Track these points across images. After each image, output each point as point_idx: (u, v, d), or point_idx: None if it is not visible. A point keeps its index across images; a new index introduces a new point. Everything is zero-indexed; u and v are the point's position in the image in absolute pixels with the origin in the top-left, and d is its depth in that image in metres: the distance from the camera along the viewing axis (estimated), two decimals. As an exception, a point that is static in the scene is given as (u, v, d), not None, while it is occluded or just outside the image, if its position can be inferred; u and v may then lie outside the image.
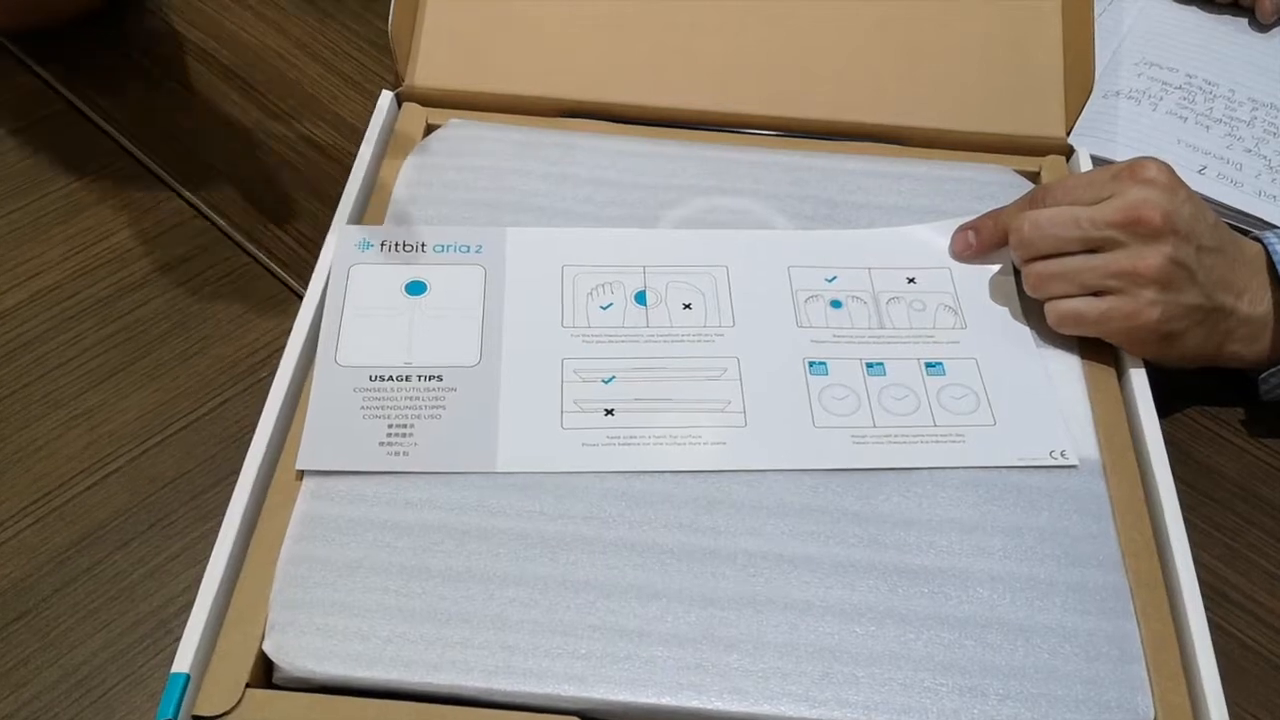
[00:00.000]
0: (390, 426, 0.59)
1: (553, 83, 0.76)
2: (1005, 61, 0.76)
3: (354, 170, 0.70)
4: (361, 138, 0.72)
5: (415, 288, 0.65)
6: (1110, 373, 0.64)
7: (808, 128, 0.76)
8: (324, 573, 0.54)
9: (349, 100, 0.84)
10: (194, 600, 0.52)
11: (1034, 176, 0.74)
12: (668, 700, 0.51)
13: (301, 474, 0.57)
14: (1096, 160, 0.74)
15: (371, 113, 0.73)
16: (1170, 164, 0.63)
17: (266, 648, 0.51)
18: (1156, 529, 0.58)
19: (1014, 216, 0.65)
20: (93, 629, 0.57)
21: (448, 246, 0.67)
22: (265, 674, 0.52)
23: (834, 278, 0.67)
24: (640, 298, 0.65)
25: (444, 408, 0.60)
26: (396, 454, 0.58)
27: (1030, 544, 0.56)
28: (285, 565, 0.54)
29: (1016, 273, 0.66)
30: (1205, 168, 0.78)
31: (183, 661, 0.50)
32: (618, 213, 0.70)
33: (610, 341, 0.63)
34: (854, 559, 0.56)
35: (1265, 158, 0.79)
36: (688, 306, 0.65)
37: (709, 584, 0.54)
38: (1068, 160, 0.75)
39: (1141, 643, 0.53)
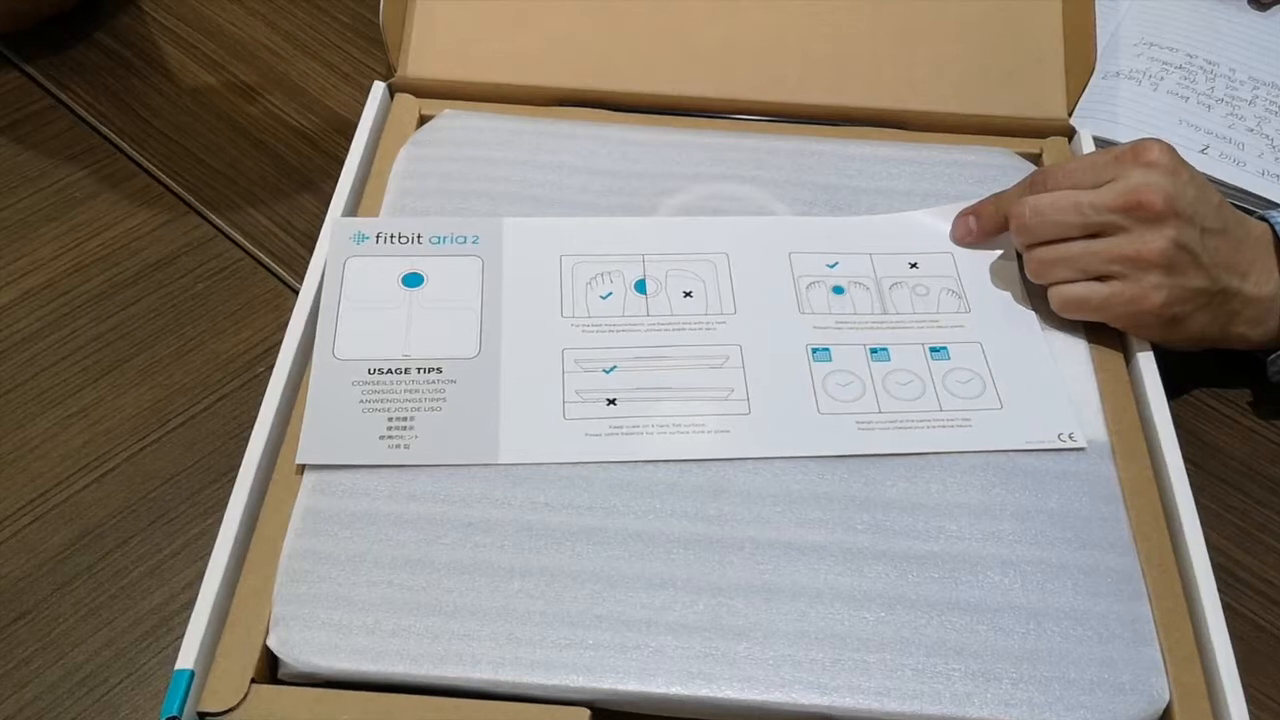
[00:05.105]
0: (390, 419, 0.58)
1: (547, 71, 0.75)
2: (1005, 42, 0.75)
3: (347, 163, 0.69)
4: (353, 130, 0.71)
5: (412, 280, 0.64)
6: (1117, 355, 0.63)
7: (807, 113, 0.75)
8: (327, 567, 0.53)
9: (339, 93, 0.83)
10: (196, 597, 0.51)
11: (1036, 158, 0.73)
12: (678, 690, 0.50)
13: (302, 469, 0.57)
14: (1099, 141, 0.73)
15: (363, 104, 0.72)
16: (1173, 145, 0.62)
17: (271, 643, 0.51)
18: (1167, 510, 0.57)
19: (1014, 201, 0.64)
20: (94, 627, 0.56)
21: (444, 238, 0.66)
22: (270, 669, 0.51)
23: (836, 263, 0.66)
24: (640, 286, 0.65)
25: (444, 400, 0.59)
26: (397, 447, 0.57)
27: (1040, 527, 0.56)
28: (288, 560, 0.53)
29: (1019, 256, 0.65)
30: (1208, 147, 0.77)
31: (187, 658, 0.49)
32: (615, 201, 0.69)
33: (611, 331, 0.63)
34: (862, 545, 0.55)
35: (1268, 136, 0.78)
36: (688, 295, 0.64)
37: (716, 572, 0.54)
38: (1069, 141, 0.74)
39: (1155, 624, 0.53)
